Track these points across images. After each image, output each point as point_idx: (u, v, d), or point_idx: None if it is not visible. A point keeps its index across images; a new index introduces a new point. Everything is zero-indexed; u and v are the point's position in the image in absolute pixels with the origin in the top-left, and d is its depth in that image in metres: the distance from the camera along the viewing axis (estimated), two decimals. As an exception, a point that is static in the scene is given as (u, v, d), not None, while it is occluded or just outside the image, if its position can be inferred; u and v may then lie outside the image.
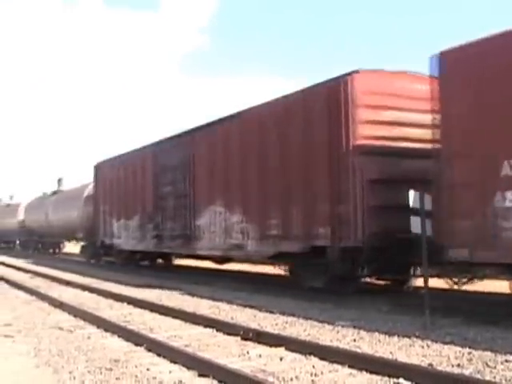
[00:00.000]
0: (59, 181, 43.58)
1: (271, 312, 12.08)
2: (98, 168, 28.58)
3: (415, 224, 10.22)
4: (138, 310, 12.91)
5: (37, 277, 22.14)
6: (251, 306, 12.85)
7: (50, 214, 38.95)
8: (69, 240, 39.83)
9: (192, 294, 15.39)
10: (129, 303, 14.00)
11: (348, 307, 12.48)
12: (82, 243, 33.70)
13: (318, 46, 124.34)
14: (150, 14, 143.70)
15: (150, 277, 20.52)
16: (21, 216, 47.29)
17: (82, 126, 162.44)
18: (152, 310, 12.76)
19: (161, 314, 12.28)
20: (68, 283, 18.93)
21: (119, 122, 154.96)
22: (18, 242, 51.35)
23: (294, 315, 11.57)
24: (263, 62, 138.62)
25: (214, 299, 14.24)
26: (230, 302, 13.69)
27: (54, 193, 41.94)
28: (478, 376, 6.95)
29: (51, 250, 43.71)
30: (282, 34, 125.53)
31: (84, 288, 17.49)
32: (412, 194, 10.33)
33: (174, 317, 11.81)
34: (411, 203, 10.31)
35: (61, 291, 16.92)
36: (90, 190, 31.69)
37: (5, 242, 55.63)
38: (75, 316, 12.26)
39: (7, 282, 20.11)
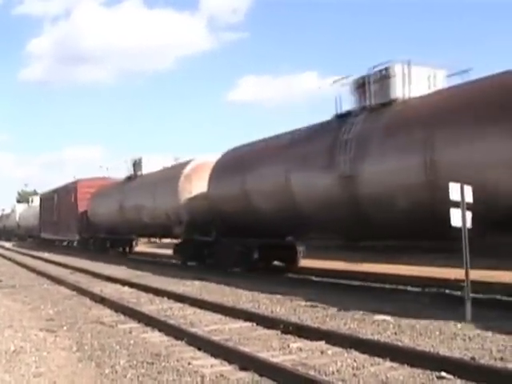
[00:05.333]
0: (136, 163, 31.36)
1: (311, 306, 12.09)
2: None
3: (455, 217, 10.06)
4: (178, 305, 12.94)
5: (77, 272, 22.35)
6: (291, 300, 12.87)
7: (127, 204, 30.05)
8: (161, 237, 31.59)
9: (232, 288, 15.46)
10: (169, 298, 14.06)
11: (388, 300, 12.42)
12: (178, 240, 26.02)
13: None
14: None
15: (191, 272, 20.64)
16: (82, 207, 38.20)
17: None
18: (192, 305, 12.79)
19: (201, 308, 12.32)
20: (108, 278, 19.09)
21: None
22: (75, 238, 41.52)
23: (333, 308, 11.56)
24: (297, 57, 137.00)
25: (253, 293, 14.30)
26: (269, 295, 13.74)
27: (129, 178, 31.66)
28: (522, 369, 6.83)
29: (120, 249, 35.91)
30: (314, 28, 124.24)
31: (124, 283, 17.62)
32: (452, 185, 10.14)
33: (215, 311, 11.84)
34: (451, 195, 10.12)
35: (101, 286, 17.08)
36: (190, 169, 23.88)
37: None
38: (116, 311, 12.38)
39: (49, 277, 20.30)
